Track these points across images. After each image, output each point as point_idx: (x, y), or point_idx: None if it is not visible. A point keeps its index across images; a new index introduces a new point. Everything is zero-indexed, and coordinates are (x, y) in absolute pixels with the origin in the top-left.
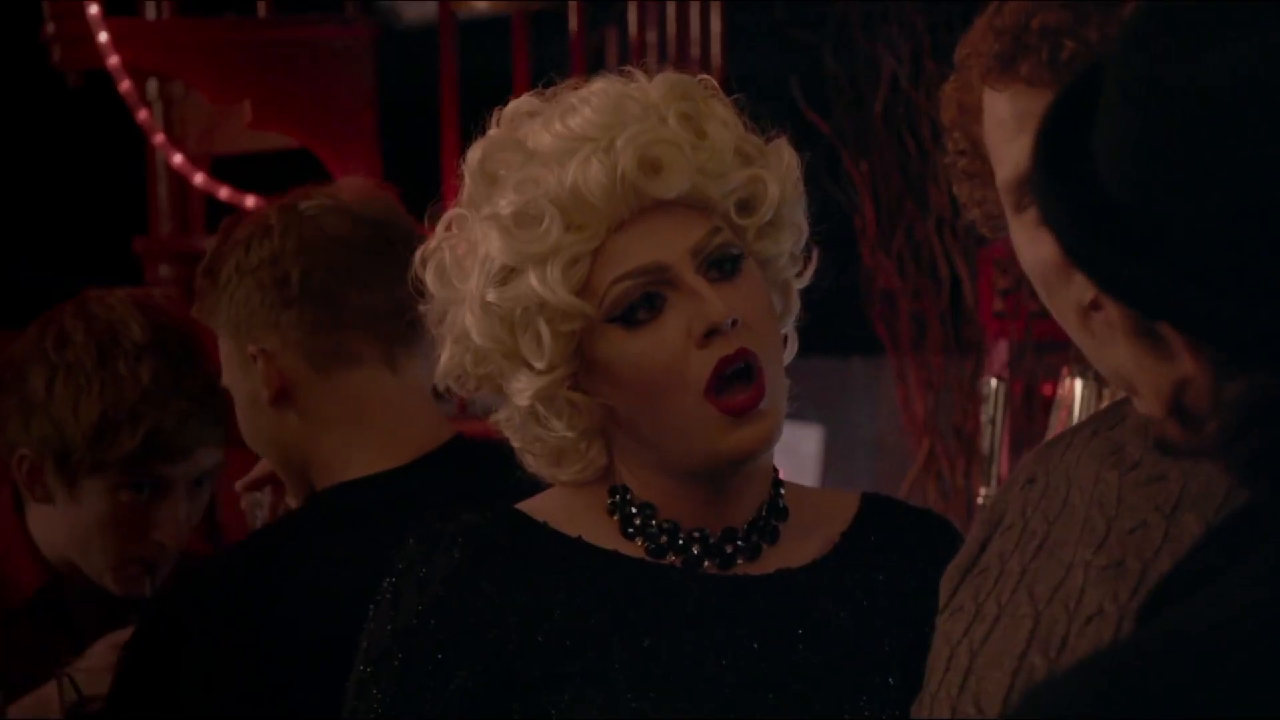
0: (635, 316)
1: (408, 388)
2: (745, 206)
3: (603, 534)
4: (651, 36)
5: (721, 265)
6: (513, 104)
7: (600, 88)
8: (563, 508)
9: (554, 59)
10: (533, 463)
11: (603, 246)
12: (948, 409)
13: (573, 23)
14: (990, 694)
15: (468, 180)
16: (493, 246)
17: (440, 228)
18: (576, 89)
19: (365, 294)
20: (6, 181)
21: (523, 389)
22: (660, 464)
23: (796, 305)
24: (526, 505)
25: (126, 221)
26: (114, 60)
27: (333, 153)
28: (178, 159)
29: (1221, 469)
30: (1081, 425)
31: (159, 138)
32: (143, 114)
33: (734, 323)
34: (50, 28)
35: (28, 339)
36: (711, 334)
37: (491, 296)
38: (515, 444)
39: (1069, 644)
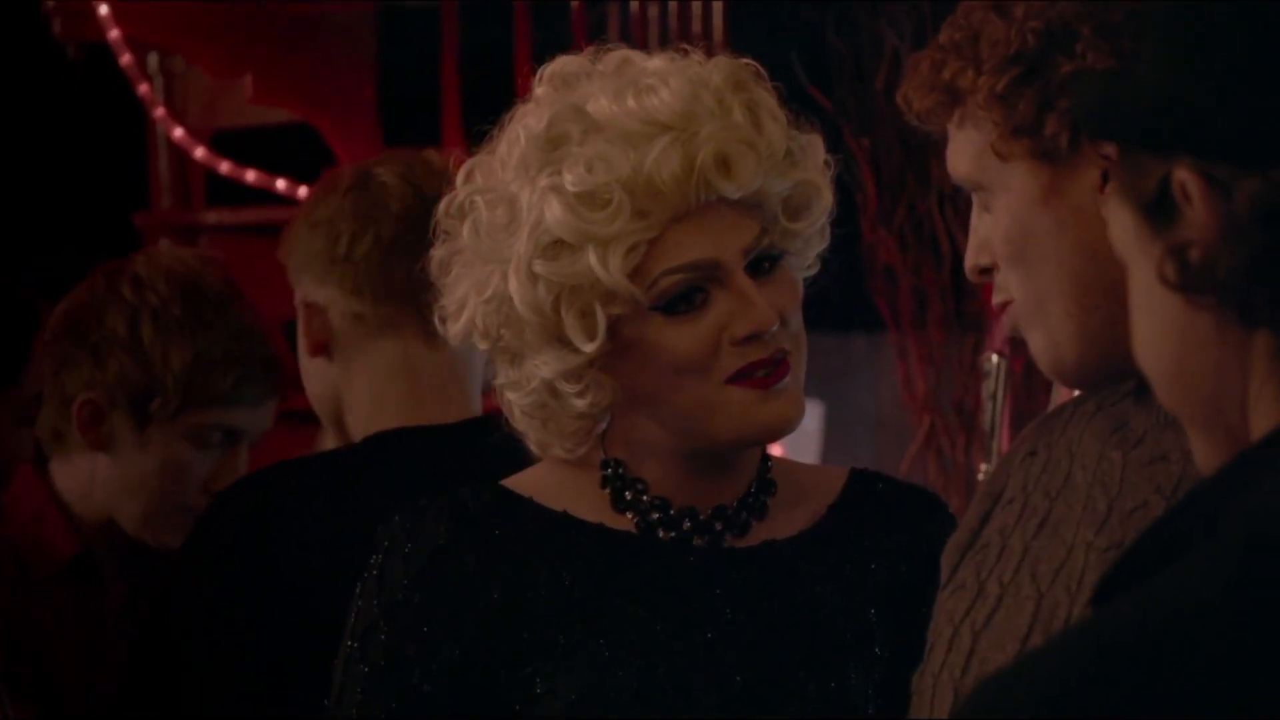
0: (676, 307)
1: (441, 361)
2: (792, 209)
3: (590, 509)
4: (653, 12)
5: (761, 263)
6: (558, 63)
7: (670, 68)
8: (550, 483)
9: (555, 34)
10: (529, 431)
11: (659, 236)
12: (949, 385)
13: None
14: None
15: (522, 140)
16: (550, 218)
17: (461, 176)
18: (613, 52)
19: (410, 267)
20: (5, 155)
21: (548, 362)
22: (669, 444)
23: (801, 295)
24: (512, 481)
25: (127, 196)
26: (115, 34)
27: (334, 127)
28: (178, 133)
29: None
30: (1083, 398)
31: (160, 112)
32: (143, 88)
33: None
34: (51, 1)
35: (94, 287)
36: (752, 337)
37: (539, 268)
38: (517, 411)
39: None
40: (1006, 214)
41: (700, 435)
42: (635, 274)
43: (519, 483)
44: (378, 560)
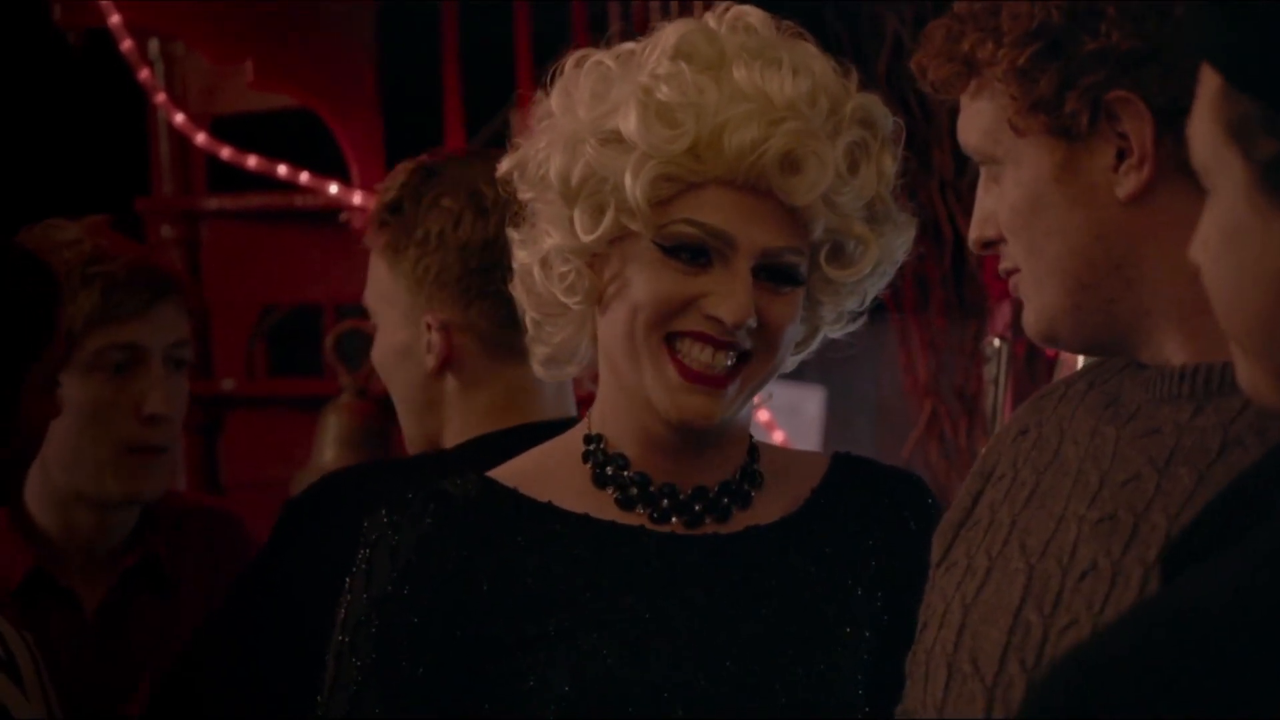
0: (678, 253)
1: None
2: (837, 255)
3: (575, 498)
4: (654, 3)
5: (774, 276)
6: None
7: (809, 63)
8: (536, 472)
9: (555, 22)
10: (520, 300)
11: (702, 186)
12: (950, 370)
13: None
14: (987, 652)
15: (651, 43)
16: (623, 110)
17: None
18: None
19: None
20: (7, 141)
21: (550, 234)
22: (632, 413)
23: (814, 345)
24: (498, 471)
25: (128, 181)
26: (115, 19)
27: (334, 113)
28: (179, 119)
29: None
30: (1075, 377)
31: (160, 97)
32: (144, 73)
33: (746, 329)
34: None
35: None
36: (716, 320)
37: (588, 147)
38: (518, 273)
39: (1063, 600)
40: (1016, 187)
41: (638, 401)
42: (661, 204)
43: (504, 473)
44: (365, 554)
